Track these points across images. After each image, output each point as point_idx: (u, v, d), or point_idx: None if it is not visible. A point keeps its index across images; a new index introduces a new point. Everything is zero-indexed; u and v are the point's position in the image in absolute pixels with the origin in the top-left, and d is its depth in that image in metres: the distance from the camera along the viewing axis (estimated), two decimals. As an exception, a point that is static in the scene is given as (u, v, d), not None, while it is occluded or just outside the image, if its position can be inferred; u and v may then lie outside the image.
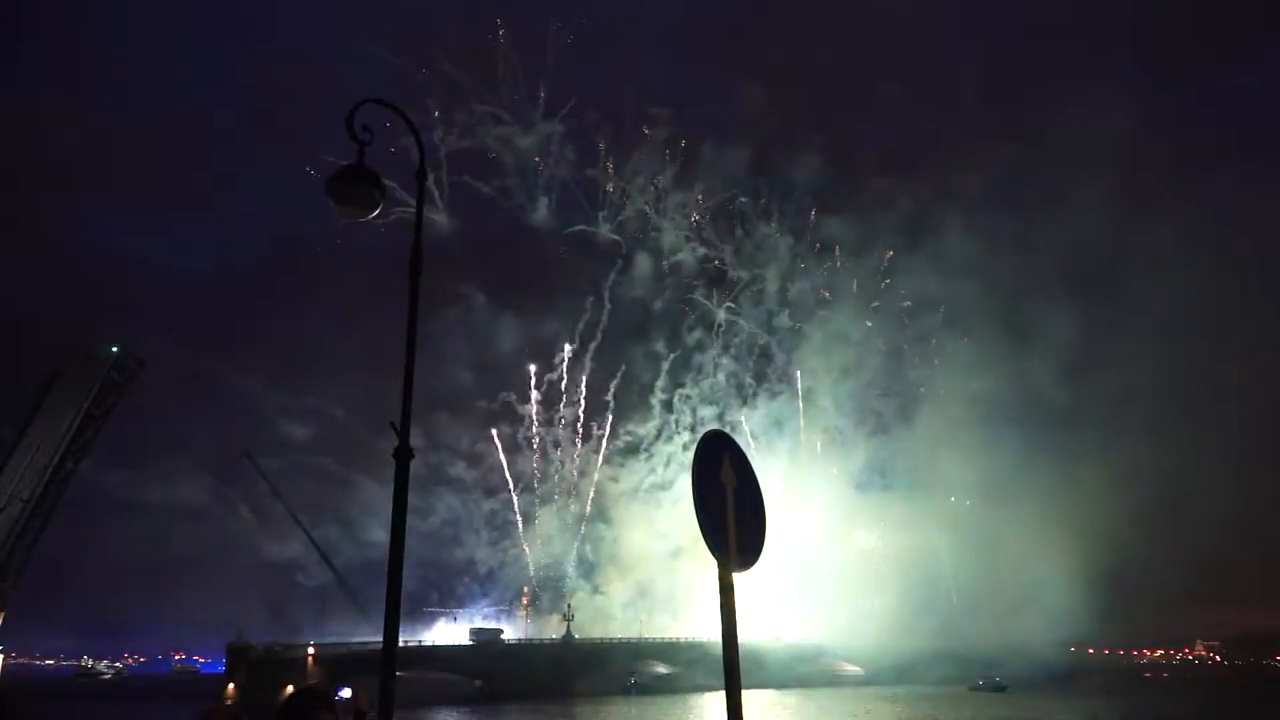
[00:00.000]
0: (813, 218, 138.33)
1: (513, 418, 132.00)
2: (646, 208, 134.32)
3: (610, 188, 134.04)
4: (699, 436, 6.06)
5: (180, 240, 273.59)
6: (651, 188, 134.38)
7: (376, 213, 9.14)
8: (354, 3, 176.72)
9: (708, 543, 5.61)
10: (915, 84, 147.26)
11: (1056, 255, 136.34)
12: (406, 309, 8.68)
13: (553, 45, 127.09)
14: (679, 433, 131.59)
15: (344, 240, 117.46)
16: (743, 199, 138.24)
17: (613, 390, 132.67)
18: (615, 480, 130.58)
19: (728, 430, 6.42)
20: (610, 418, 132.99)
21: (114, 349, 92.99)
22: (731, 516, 5.78)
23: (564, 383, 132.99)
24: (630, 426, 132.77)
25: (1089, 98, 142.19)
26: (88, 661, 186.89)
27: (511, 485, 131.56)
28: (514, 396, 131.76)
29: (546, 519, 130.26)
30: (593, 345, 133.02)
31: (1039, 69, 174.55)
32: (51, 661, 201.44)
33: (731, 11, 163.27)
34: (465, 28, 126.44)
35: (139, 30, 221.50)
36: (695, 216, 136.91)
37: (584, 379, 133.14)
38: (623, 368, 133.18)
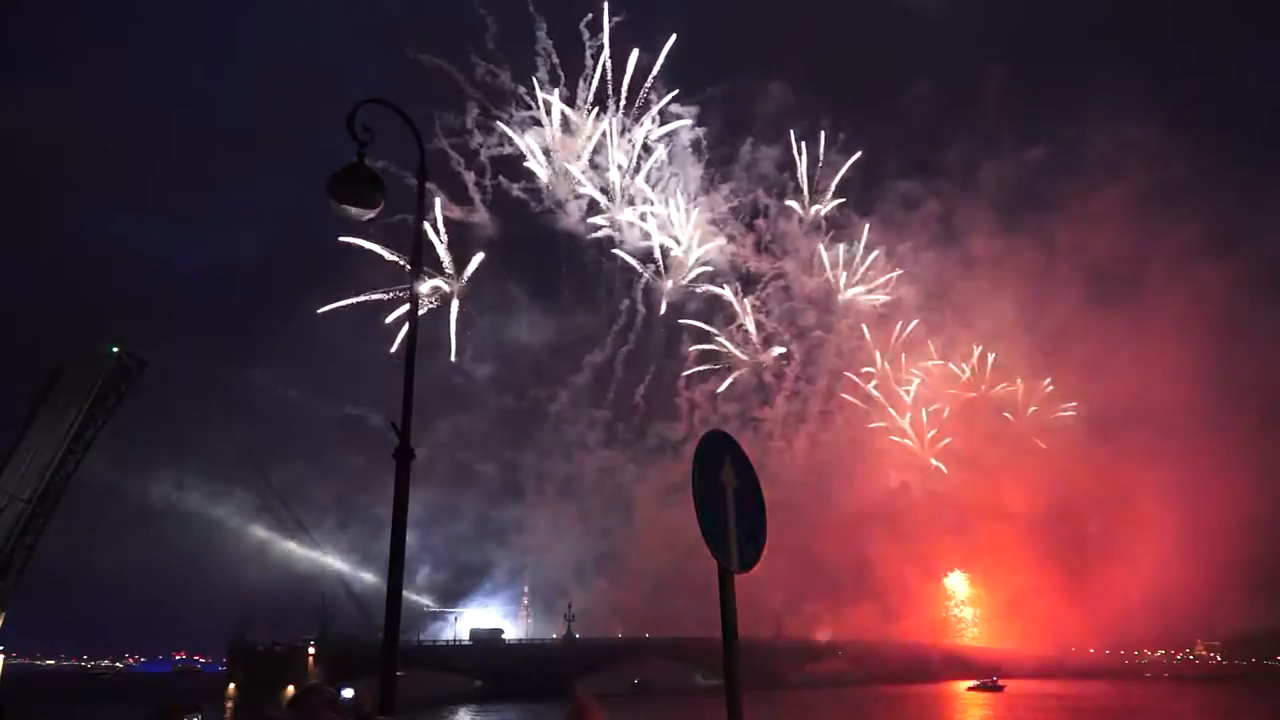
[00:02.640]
0: (839, 216, 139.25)
1: (542, 417, 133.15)
2: (677, 208, 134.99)
3: (640, 188, 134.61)
4: (700, 437, 6.07)
5: (181, 240, 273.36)
6: (682, 188, 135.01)
7: (377, 211, 9.14)
8: (388, 5, 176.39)
9: (708, 543, 5.63)
10: (942, 83, 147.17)
11: (1080, 256, 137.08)
12: (415, 309, 8.70)
13: (589, 47, 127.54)
14: (701, 432, 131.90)
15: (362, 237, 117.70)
16: (769, 198, 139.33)
17: (641, 391, 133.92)
18: (643, 479, 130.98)
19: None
20: (639, 418, 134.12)
21: (114, 349, 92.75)
22: (732, 517, 5.79)
23: (594, 384, 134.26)
24: (658, 427, 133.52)
25: (1114, 98, 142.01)
26: (88, 661, 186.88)
27: (540, 485, 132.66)
28: (544, 395, 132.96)
29: (571, 519, 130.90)
30: (623, 349, 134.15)
31: (1065, 69, 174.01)
32: (51, 662, 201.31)
33: (758, 10, 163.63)
34: (503, 30, 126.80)
35: (140, 29, 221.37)
36: (723, 216, 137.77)
37: (614, 380, 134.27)
38: (652, 368, 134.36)
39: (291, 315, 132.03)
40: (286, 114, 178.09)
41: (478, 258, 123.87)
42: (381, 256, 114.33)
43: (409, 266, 9.53)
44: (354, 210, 8.92)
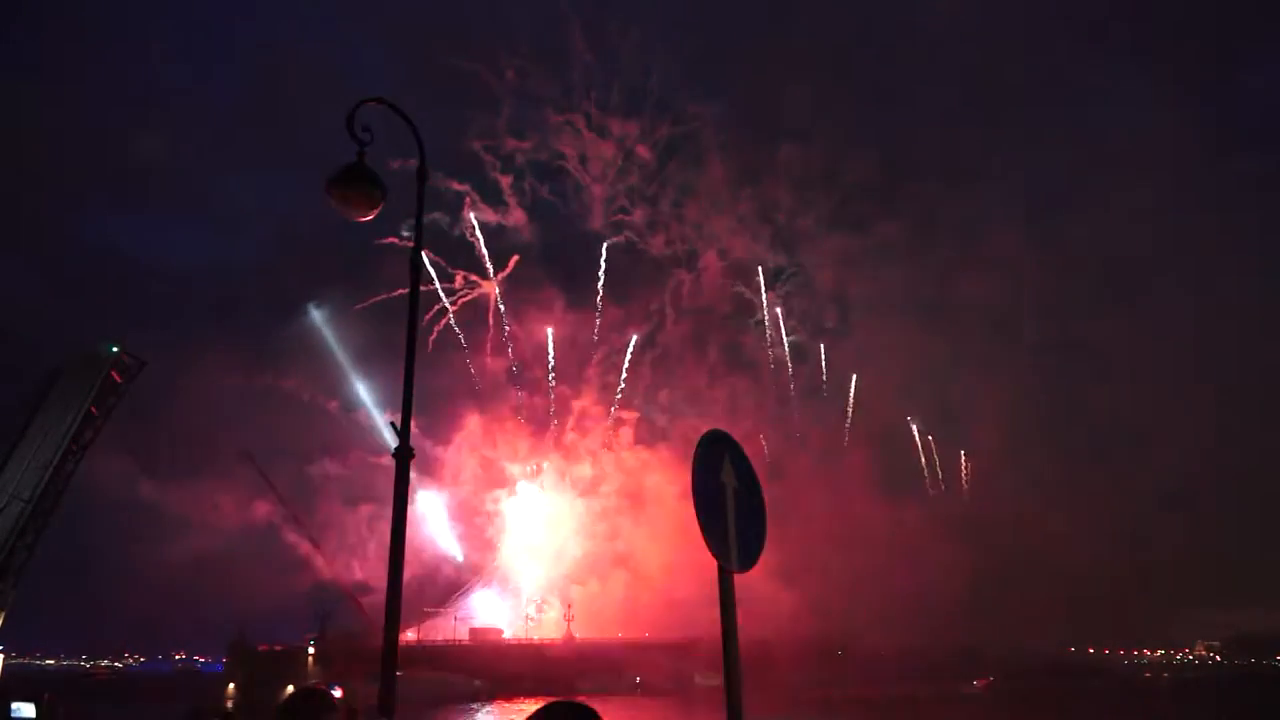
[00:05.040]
0: (861, 219, 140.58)
1: (566, 418, 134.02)
2: (702, 212, 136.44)
3: (667, 192, 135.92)
4: (700, 436, 6.07)
5: (180, 240, 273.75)
6: (705, 192, 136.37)
7: (376, 212, 9.11)
8: (415, 5, 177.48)
9: (707, 543, 5.63)
10: (959, 87, 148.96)
11: (1093, 258, 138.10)
12: (416, 309, 8.71)
13: (621, 51, 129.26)
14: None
15: (364, 237, 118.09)
16: (789, 202, 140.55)
17: (665, 392, 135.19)
18: (668, 482, 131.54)
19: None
20: (664, 420, 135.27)
21: (114, 349, 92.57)
22: (731, 517, 5.79)
23: (620, 386, 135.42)
24: (683, 429, 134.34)
25: (1127, 99, 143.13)
26: (87, 661, 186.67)
27: (558, 484, 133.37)
28: (569, 394, 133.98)
29: (583, 518, 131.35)
30: (650, 353, 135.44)
31: (1080, 70, 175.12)
32: (51, 661, 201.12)
33: (777, 14, 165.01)
34: (532, 33, 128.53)
35: (139, 28, 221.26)
36: (747, 218, 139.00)
37: (640, 383, 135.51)
38: (677, 370, 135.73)
39: (294, 314, 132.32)
40: (289, 113, 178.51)
41: (511, 259, 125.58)
42: (402, 256, 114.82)
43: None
44: (353, 211, 8.89)
